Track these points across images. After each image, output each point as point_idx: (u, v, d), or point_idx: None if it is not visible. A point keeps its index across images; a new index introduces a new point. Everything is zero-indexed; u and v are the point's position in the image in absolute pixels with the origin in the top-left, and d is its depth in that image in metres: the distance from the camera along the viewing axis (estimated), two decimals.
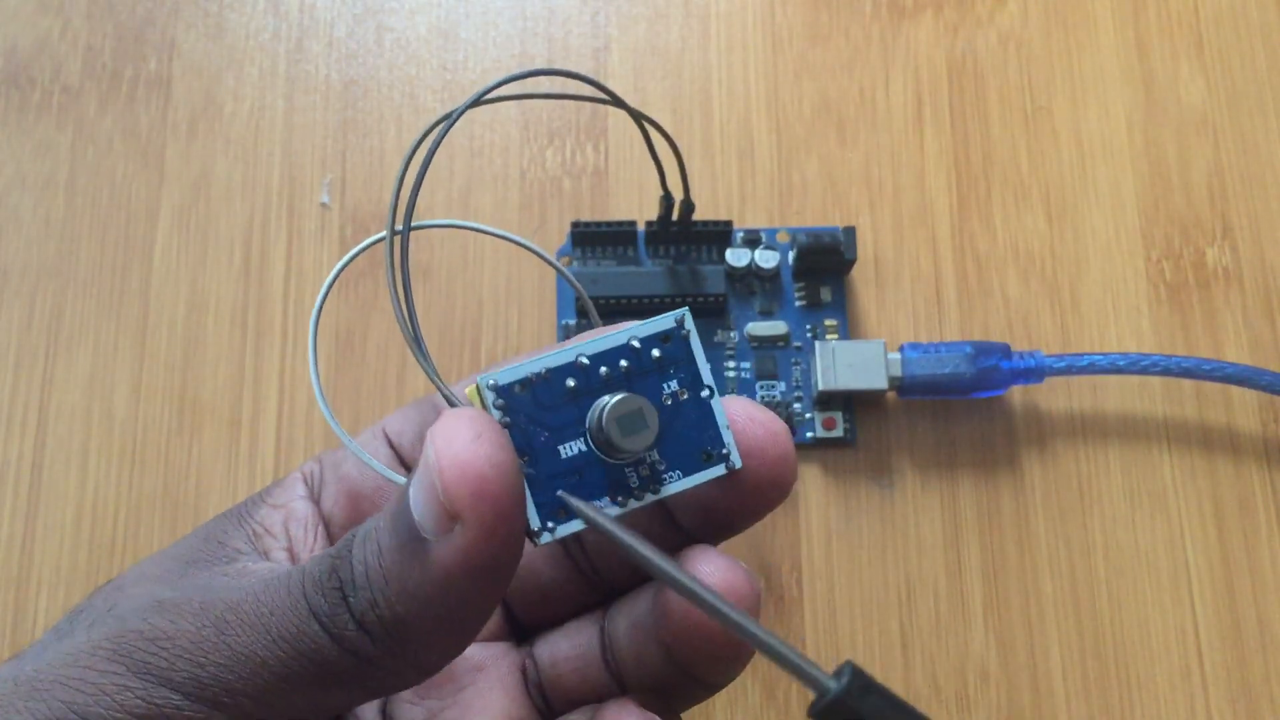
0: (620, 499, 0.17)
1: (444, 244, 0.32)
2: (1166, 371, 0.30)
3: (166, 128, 0.33)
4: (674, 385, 0.18)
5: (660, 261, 0.32)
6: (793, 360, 0.31)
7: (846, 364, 0.30)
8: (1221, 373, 0.30)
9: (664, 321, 0.18)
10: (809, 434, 0.31)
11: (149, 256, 0.32)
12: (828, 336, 0.31)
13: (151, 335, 0.31)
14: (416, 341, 0.18)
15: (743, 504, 0.18)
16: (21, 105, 0.33)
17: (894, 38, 0.34)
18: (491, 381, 0.17)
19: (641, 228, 0.32)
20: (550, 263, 0.21)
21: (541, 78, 0.24)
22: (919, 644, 0.29)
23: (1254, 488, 0.30)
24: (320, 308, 0.21)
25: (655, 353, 0.18)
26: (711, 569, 0.17)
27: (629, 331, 0.18)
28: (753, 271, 0.31)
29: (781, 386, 0.31)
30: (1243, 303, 0.32)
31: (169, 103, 0.33)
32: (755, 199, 0.33)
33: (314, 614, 0.17)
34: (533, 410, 0.17)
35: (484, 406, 0.17)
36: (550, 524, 0.17)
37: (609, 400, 0.17)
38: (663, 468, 0.18)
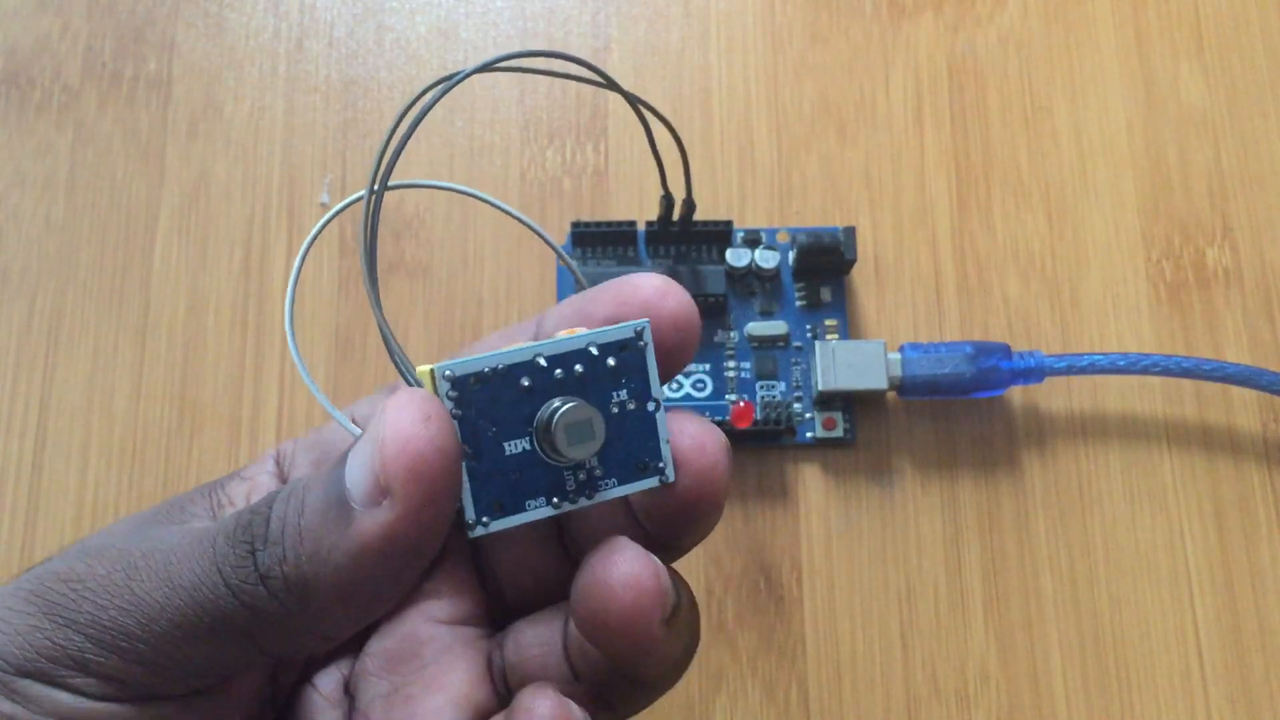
0: (555, 501, 0.18)
1: (444, 244, 0.32)
2: (1166, 371, 0.30)
3: (166, 128, 0.33)
4: (623, 395, 0.18)
5: (660, 261, 0.32)
6: (793, 360, 0.31)
7: (846, 364, 0.30)
8: (1221, 373, 0.30)
9: (624, 331, 0.18)
10: (809, 434, 0.31)
11: (149, 256, 0.32)
12: (828, 336, 0.31)
13: (151, 335, 0.31)
14: (378, 305, 0.18)
15: (677, 516, 0.19)
16: (21, 105, 0.33)
17: (894, 38, 0.34)
18: (448, 372, 0.17)
19: (642, 228, 0.32)
20: (545, 238, 0.21)
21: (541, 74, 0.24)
22: (919, 644, 0.29)
23: (1254, 488, 0.30)
24: (299, 267, 0.21)
25: (611, 361, 0.18)
26: (620, 559, 0.17)
27: (589, 337, 0.18)
28: (753, 271, 0.31)
29: (781, 386, 0.31)
30: (1243, 303, 0.32)
31: (169, 103, 0.33)
32: (755, 199, 0.33)
33: (218, 565, 0.17)
34: (484, 404, 0.17)
35: (436, 394, 0.17)
36: (485, 518, 0.17)
37: (561, 406, 0.17)
38: (600, 474, 0.18)
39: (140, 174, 0.33)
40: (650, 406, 0.18)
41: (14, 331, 0.31)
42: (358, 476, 0.16)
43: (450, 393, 0.17)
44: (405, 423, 0.16)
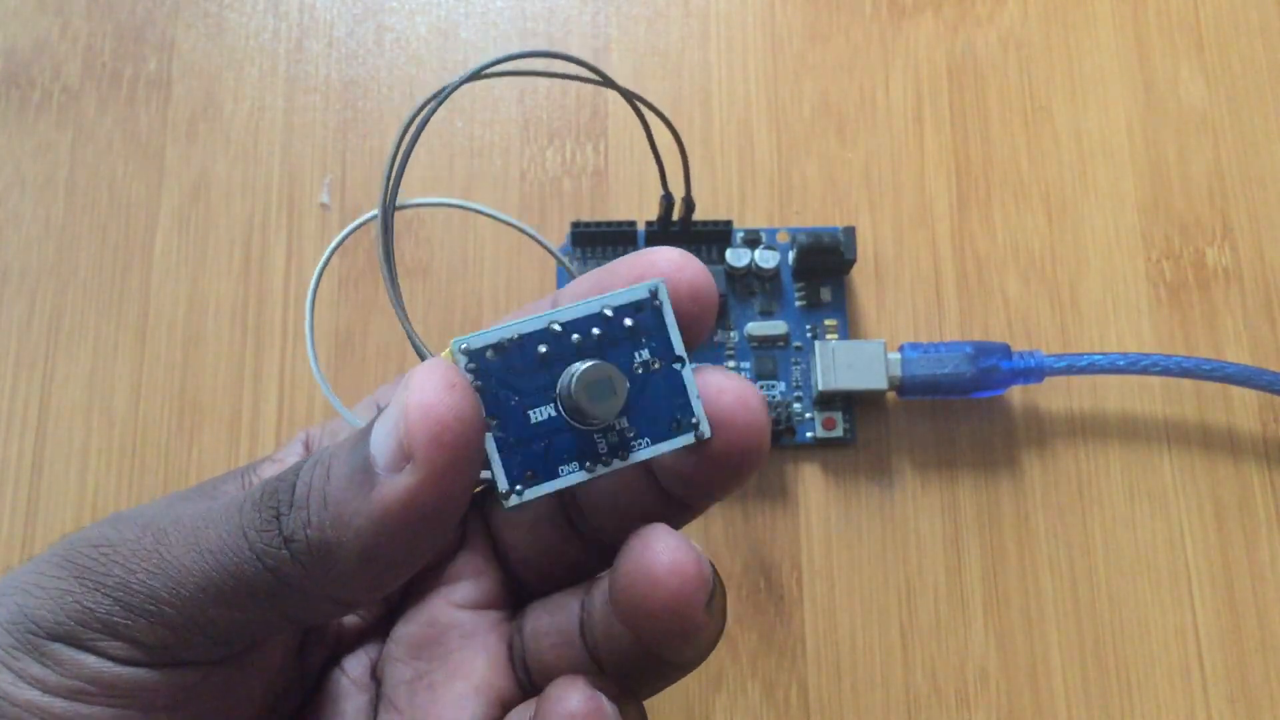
0: (589, 465, 0.18)
1: (444, 244, 0.32)
2: (1166, 371, 0.30)
3: (166, 128, 0.33)
4: (645, 354, 0.18)
5: None
6: (793, 360, 0.31)
7: (846, 364, 0.30)
8: (1221, 373, 0.30)
9: (638, 291, 0.18)
10: (809, 434, 0.31)
11: (149, 256, 0.32)
12: (828, 336, 0.31)
13: (151, 335, 0.31)
14: (398, 300, 0.18)
15: (715, 472, 0.19)
16: (21, 105, 0.33)
17: (894, 38, 0.34)
18: (464, 345, 0.17)
19: (641, 228, 0.32)
20: (545, 245, 0.21)
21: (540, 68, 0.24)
22: (919, 644, 0.29)
23: (1254, 488, 0.30)
24: (314, 292, 0.21)
25: (628, 322, 0.18)
26: (662, 547, 0.17)
27: (602, 300, 0.18)
28: (753, 271, 0.31)
29: (781, 386, 0.31)
30: (1243, 303, 0.32)
31: (169, 103, 0.33)
32: (755, 199, 0.33)
33: (244, 529, 0.17)
34: (504, 375, 0.17)
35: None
36: (519, 487, 0.17)
37: (579, 367, 0.17)
38: (631, 435, 0.18)
39: (140, 174, 0.33)
40: (676, 364, 0.18)
41: (14, 331, 0.31)
42: (382, 443, 0.16)
43: (468, 365, 0.17)
44: (430, 390, 0.16)
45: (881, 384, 0.30)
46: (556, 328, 0.17)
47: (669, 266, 0.18)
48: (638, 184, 0.33)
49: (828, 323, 0.31)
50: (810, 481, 0.31)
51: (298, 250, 0.32)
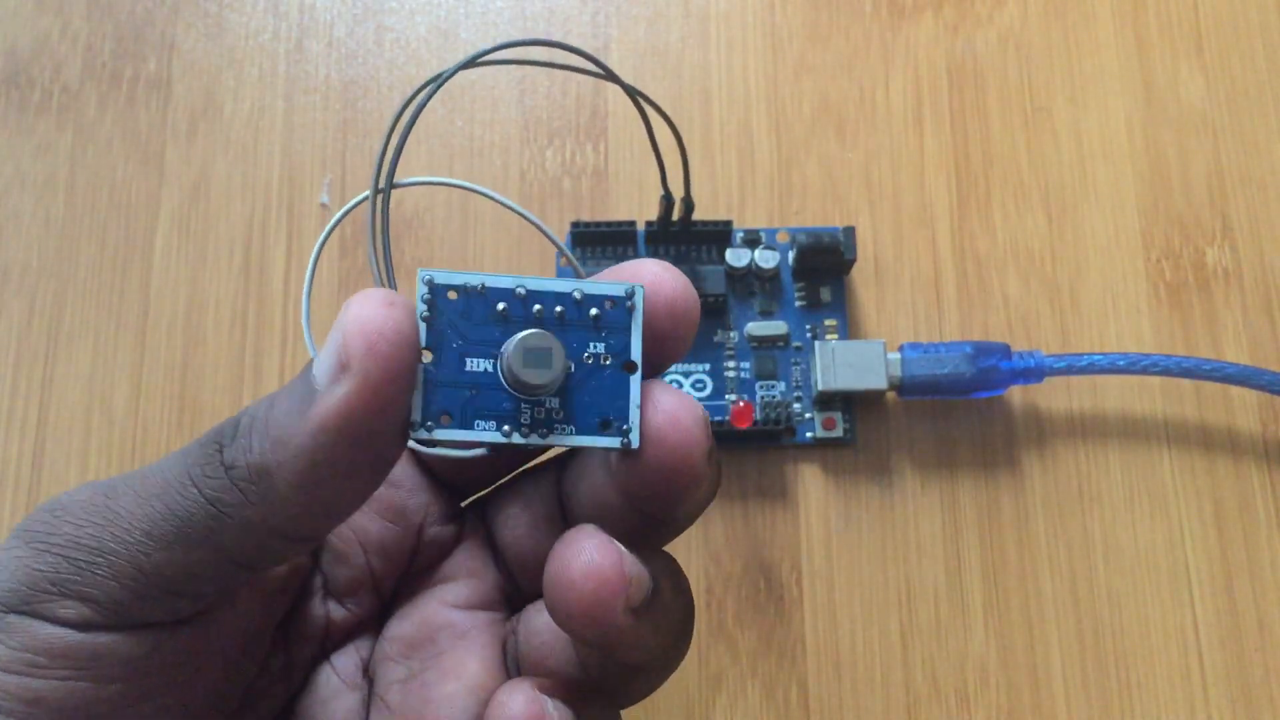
0: (506, 430, 0.17)
1: (444, 244, 0.32)
2: (1166, 371, 0.30)
3: (166, 128, 0.33)
4: (600, 348, 0.18)
5: None
6: (793, 360, 0.31)
7: (846, 364, 0.30)
8: (1221, 373, 0.30)
9: (615, 288, 0.18)
10: (809, 434, 0.31)
11: (149, 256, 0.32)
12: (827, 336, 0.31)
13: (151, 335, 0.31)
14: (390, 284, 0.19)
15: (646, 487, 0.18)
16: (21, 105, 0.33)
17: (894, 38, 0.34)
18: (429, 277, 0.17)
19: (641, 228, 0.32)
20: (546, 232, 0.21)
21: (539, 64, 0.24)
22: (919, 644, 0.29)
23: (1254, 488, 0.30)
24: (311, 277, 0.21)
25: (594, 311, 0.18)
26: (578, 550, 0.17)
27: (577, 283, 0.18)
28: (753, 271, 0.31)
29: (781, 386, 0.31)
30: (1243, 303, 0.32)
31: (169, 103, 0.33)
32: (755, 199, 0.33)
33: (187, 468, 0.17)
34: (455, 317, 0.17)
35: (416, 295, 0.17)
36: (430, 423, 0.17)
37: (526, 331, 0.17)
38: (559, 418, 0.18)
39: (140, 174, 0.33)
40: (625, 367, 0.18)
41: (14, 331, 0.31)
42: (322, 364, 0.16)
43: (425, 295, 0.17)
44: (369, 306, 0.16)
45: (881, 384, 0.30)
46: (522, 291, 0.18)
47: (651, 278, 0.18)
48: (638, 184, 0.33)
49: (828, 323, 0.31)
50: (810, 481, 0.31)
51: (298, 250, 0.32)
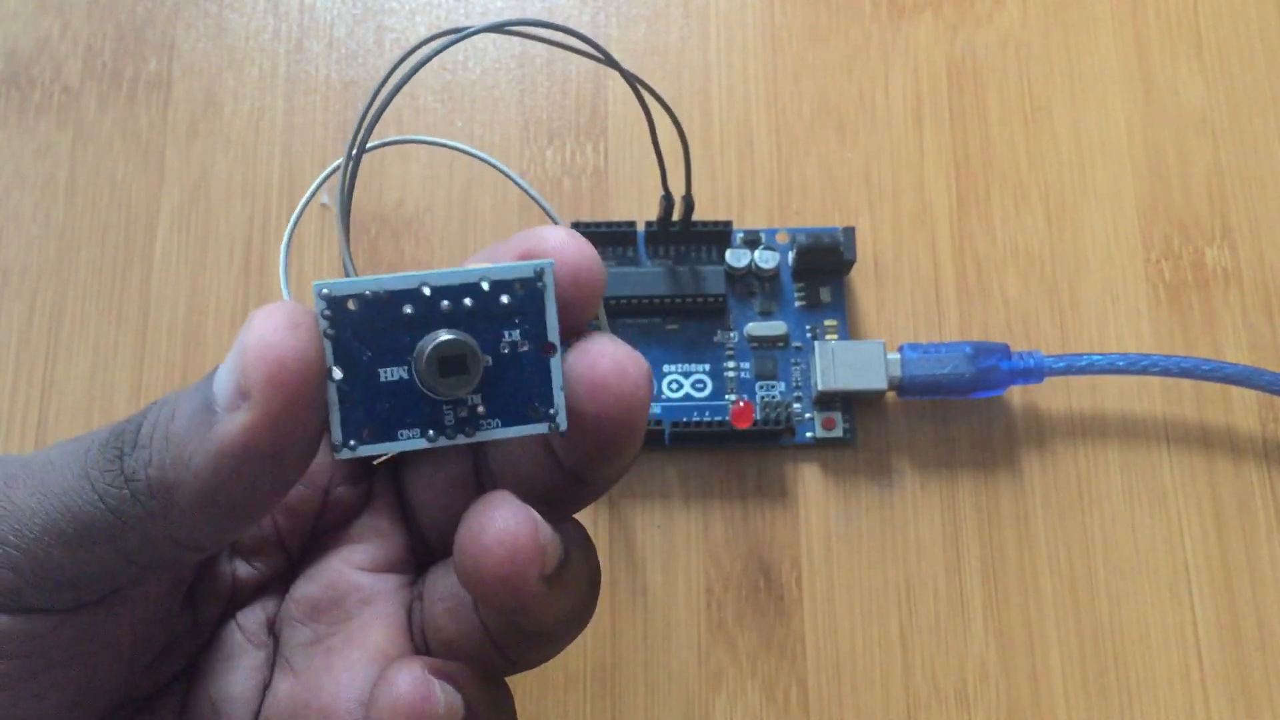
0: (431, 434, 0.17)
1: (444, 244, 0.32)
2: (1166, 371, 0.30)
3: (166, 128, 0.33)
4: (515, 335, 0.17)
5: (660, 262, 0.32)
6: (792, 360, 0.31)
7: (846, 364, 0.30)
8: (1221, 373, 0.30)
9: (523, 269, 0.17)
10: (809, 434, 0.31)
11: (149, 256, 0.32)
12: (827, 337, 0.31)
13: (151, 335, 0.31)
14: (345, 234, 0.18)
15: (588, 451, 0.18)
16: (21, 105, 0.33)
17: (894, 38, 0.34)
18: (325, 290, 0.16)
19: (641, 228, 0.32)
20: (529, 192, 0.21)
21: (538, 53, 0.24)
22: (919, 644, 0.29)
23: (1254, 488, 0.31)
24: (290, 235, 0.21)
25: (504, 299, 0.17)
26: (493, 516, 0.17)
27: (482, 271, 0.17)
28: (752, 272, 0.31)
29: (781, 387, 0.31)
30: (1242, 303, 0.32)
31: (169, 103, 0.33)
32: (755, 199, 0.33)
33: (87, 470, 0.17)
34: (360, 328, 0.17)
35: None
36: (353, 441, 0.17)
37: (436, 337, 0.17)
38: (482, 413, 0.17)
39: (140, 174, 0.33)
40: (545, 350, 0.17)
41: (14, 331, 0.31)
42: (223, 382, 0.16)
43: (325, 311, 0.16)
44: (270, 329, 0.16)
45: (881, 384, 0.30)
46: (426, 291, 0.17)
47: (555, 245, 0.18)
48: (637, 184, 0.33)
49: (827, 323, 0.31)
50: (810, 482, 0.31)
51: (298, 250, 0.32)
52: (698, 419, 0.30)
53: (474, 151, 0.23)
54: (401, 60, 0.20)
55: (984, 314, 0.32)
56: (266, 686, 0.20)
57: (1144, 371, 0.30)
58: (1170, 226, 0.33)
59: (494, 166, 0.22)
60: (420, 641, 0.20)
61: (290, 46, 0.34)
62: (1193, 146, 0.33)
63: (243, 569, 0.21)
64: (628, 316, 0.31)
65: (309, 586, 0.21)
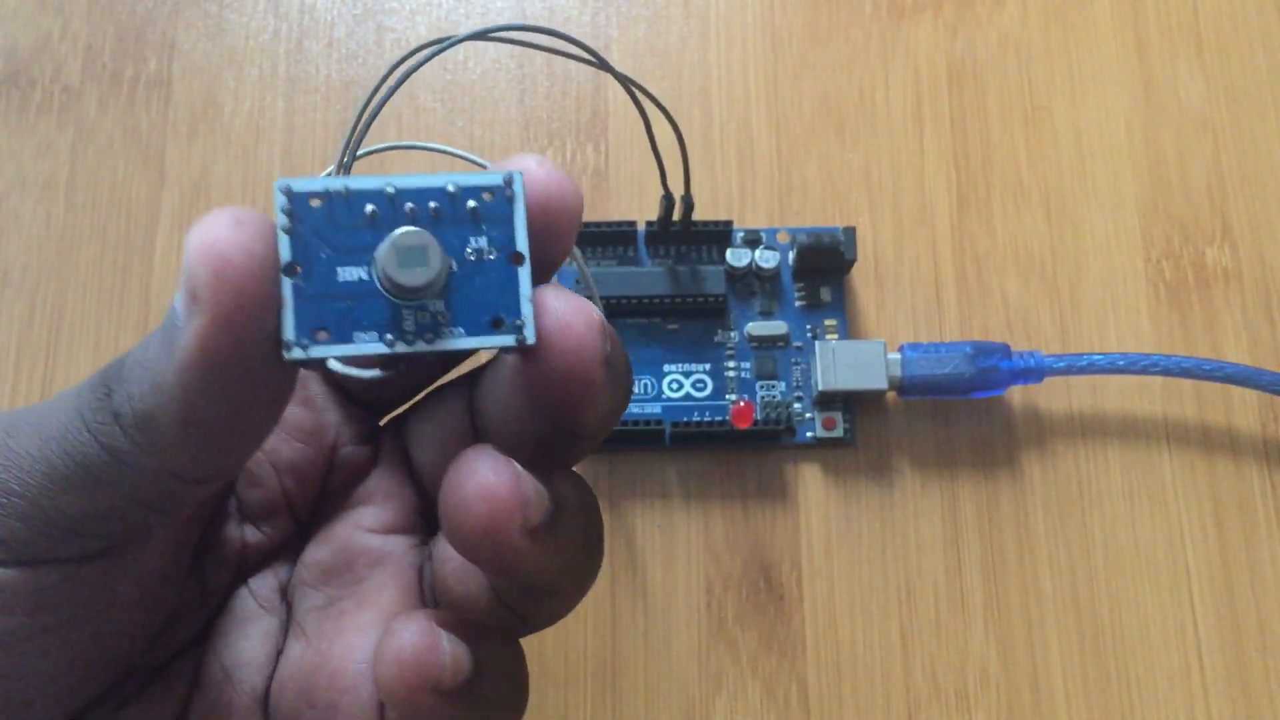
0: (389, 339, 0.16)
1: None
2: (1166, 371, 0.30)
3: (166, 128, 0.33)
4: (482, 242, 0.17)
5: (660, 262, 0.32)
6: (793, 360, 0.31)
7: (846, 364, 0.30)
8: (1221, 373, 0.30)
9: (492, 177, 0.17)
10: (809, 434, 0.31)
11: (149, 256, 0.32)
12: (828, 336, 0.31)
13: None
14: None
15: (549, 393, 0.18)
16: (21, 105, 0.33)
17: (894, 38, 0.34)
18: (286, 186, 0.16)
19: (641, 228, 0.32)
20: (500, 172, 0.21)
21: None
22: (919, 644, 0.29)
23: (1254, 488, 0.31)
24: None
25: (471, 203, 0.17)
26: (472, 470, 0.17)
27: (449, 176, 0.17)
28: (753, 272, 0.31)
29: (781, 386, 0.31)
30: (1243, 303, 0.32)
31: (169, 103, 0.33)
32: (755, 199, 0.33)
33: (80, 411, 0.17)
34: (321, 225, 0.16)
35: (274, 208, 0.16)
36: (305, 341, 0.16)
37: (398, 231, 0.16)
38: (445, 321, 0.17)
39: (140, 174, 0.33)
40: (513, 260, 0.17)
41: (14, 331, 0.31)
42: (180, 295, 0.15)
43: (285, 206, 0.16)
44: (214, 227, 0.15)
45: (881, 384, 0.30)
46: (390, 190, 0.16)
47: (529, 167, 0.17)
48: (638, 184, 0.33)
49: (828, 323, 0.31)
50: (810, 481, 0.31)
51: None
52: (698, 419, 0.30)
53: (467, 155, 0.23)
54: (389, 73, 0.20)
55: (984, 314, 0.32)
56: (280, 653, 0.20)
57: (1144, 371, 0.30)
58: (1170, 226, 0.33)
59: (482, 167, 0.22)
60: (431, 602, 0.20)
61: (290, 46, 0.34)
62: (1193, 146, 0.33)
63: (251, 534, 0.21)
64: (628, 316, 0.31)
65: (319, 550, 0.20)
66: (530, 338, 0.17)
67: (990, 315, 0.32)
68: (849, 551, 0.30)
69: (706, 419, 0.30)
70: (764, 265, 0.31)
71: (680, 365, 0.31)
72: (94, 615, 0.18)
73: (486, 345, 0.17)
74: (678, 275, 0.31)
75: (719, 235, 0.31)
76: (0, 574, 0.17)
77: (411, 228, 0.16)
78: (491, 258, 0.17)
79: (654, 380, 0.31)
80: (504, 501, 0.16)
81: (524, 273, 0.17)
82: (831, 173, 0.33)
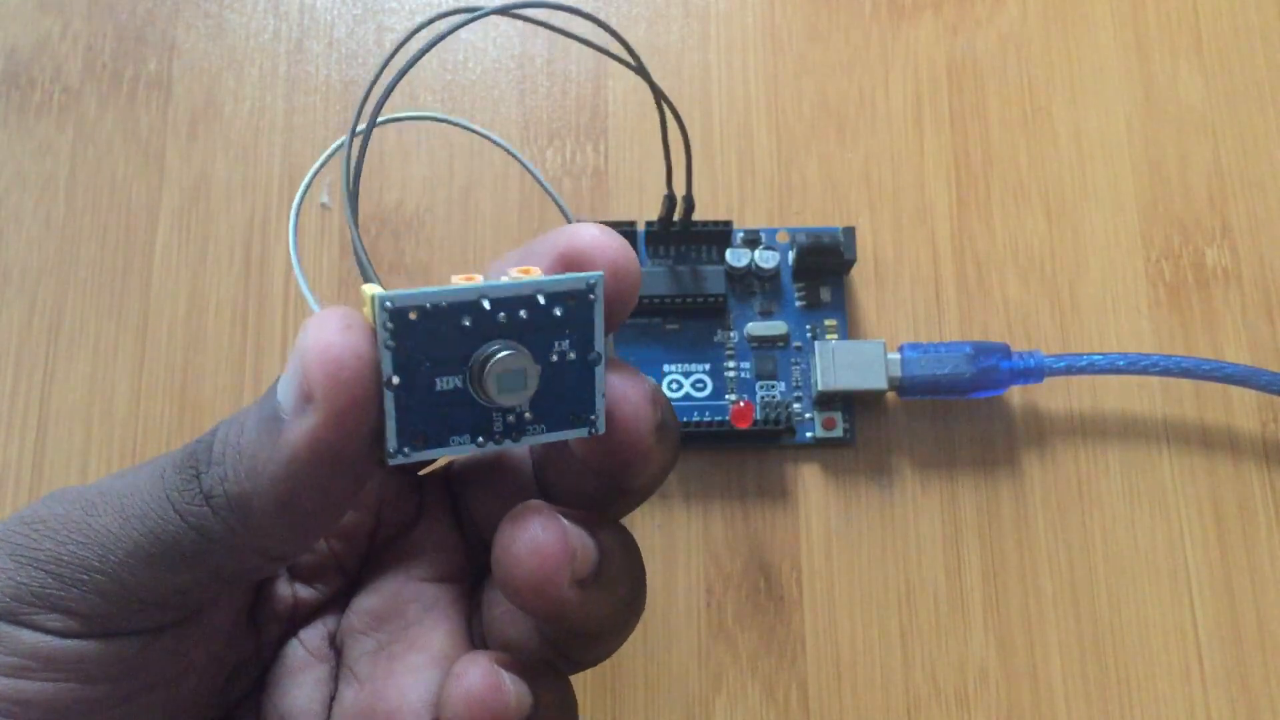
0: (480, 440, 0.18)
1: (444, 244, 0.32)
2: (1166, 371, 0.30)
3: (166, 128, 0.33)
4: (565, 345, 0.18)
5: (661, 262, 0.32)
6: (793, 360, 0.31)
7: (846, 364, 0.30)
8: (1221, 373, 0.30)
9: (575, 282, 0.18)
10: (809, 434, 0.31)
11: (149, 256, 0.32)
12: (827, 336, 0.31)
13: (151, 335, 0.31)
14: (354, 224, 0.19)
15: (599, 462, 0.19)
16: (21, 105, 0.33)
17: (894, 38, 0.34)
18: (388, 303, 0.17)
19: (642, 228, 0.32)
20: (532, 171, 0.21)
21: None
22: (919, 644, 0.29)
23: (1254, 488, 0.31)
24: (305, 189, 0.21)
25: (557, 311, 0.18)
26: (523, 526, 0.18)
27: (537, 284, 0.17)
28: (753, 272, 0.31)
29: (781, 386, 0.31)
30: (1242, 303, 0.32)
31: (169, 103, 0.33)
32: (755, 199, 0.33)
33: (166, 492, 0.17)
34: (421, 339, 0.17)
35: (373, 320, 0.17)
36: (406, 449, 0.17)
37: (497, 352, 0.17)
38: (529, 419, 0.18)
39: (140, 174, 0.33)
40: (591, 359, 0.18)
41: (14, 331, 0.31)
42: (286, 389, 0.16)
43: (388, 324, 0.17)
44: (326, 330, 0.16)
45: (881, 384, 0.30)
46: (485, 304, 0.17)
47: (590, 243, 0.18)
48: (638, 184, 0.33)
49: (828, 323, 0.31)
50: (810, 481, 0.31)
51: (299, 250, 0.32)
52: (698, 419, 0.30)
53: (488, 134, 0.23)
54: (412, 35, 0.20)
55: (984, 314, 0.32)
56: (333, 698, 0.21)
57: (1144, 371, 0.30)
58: (1170, 226, 0.33)
59: (508, 152, 0.23)
60: (480, 646, 0.21)
61: (290, 46, 0.34)
62: (1193, 146, 0.33)
63: (303, 591, 0.22)
64: (628, 316, 0.31)
65: (370, 598, 0.21)
66: (601, 428, 0.18)
67: (990, 315, 0.32)
68: (849, 552, 0.30)
69: (706, 419, 0.30)
70: (764, 265, 0.31)
71: (680, 365, 0.31)
72: (169, 679, 0.19)
73: (563, 438, 0.18)
74: (678, 275, 0.31)
75: (719, 235, 0.31)
76: (83, 646, 0.18)
77: (509, 351, 0.17)
78: (572, 358, 0.18)
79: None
80: (553, 556, 0.17)
81: (600, 371, 0.18)
82: (831, 173, 0.33)
